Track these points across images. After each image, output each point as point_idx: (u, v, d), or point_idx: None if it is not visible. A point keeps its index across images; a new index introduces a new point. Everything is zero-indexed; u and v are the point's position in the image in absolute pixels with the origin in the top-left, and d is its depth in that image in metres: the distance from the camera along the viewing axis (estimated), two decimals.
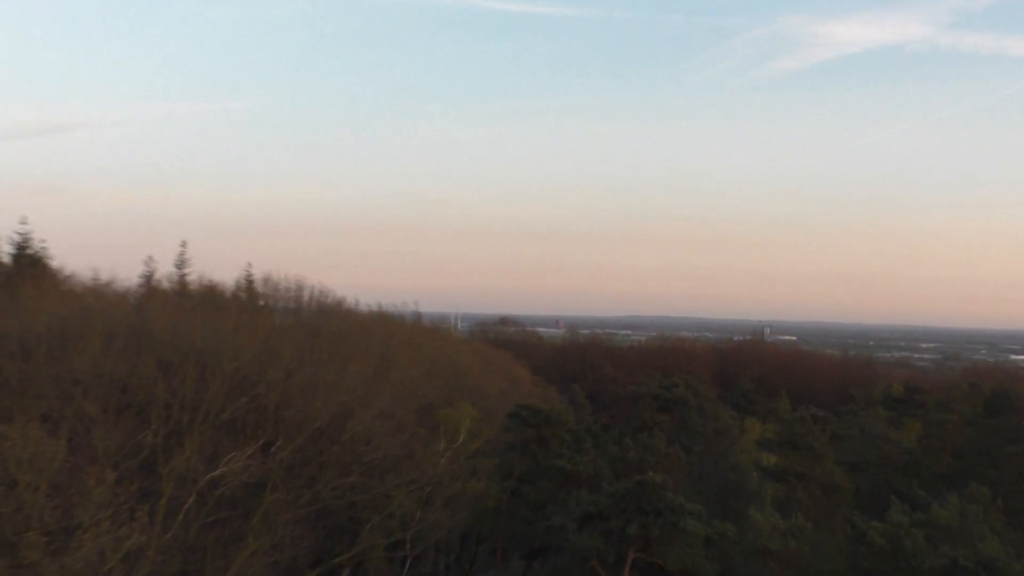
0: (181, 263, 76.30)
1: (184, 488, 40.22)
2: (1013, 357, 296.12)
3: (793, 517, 53.97)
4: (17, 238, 68.60)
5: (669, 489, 52.74)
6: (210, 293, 75.93)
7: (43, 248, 68.89)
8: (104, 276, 67.29)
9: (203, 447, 42.17)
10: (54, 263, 69.38)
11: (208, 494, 41.11)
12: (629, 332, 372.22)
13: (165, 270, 75.33)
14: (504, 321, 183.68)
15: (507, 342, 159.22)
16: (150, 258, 75.55)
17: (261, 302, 79.01)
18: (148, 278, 73.86)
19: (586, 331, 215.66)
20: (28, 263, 67.23)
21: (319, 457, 49.43)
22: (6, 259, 68.34)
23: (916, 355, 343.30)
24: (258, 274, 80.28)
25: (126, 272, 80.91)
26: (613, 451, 71.38)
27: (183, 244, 77.37)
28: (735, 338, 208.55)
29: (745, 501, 66.94)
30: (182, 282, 75.95)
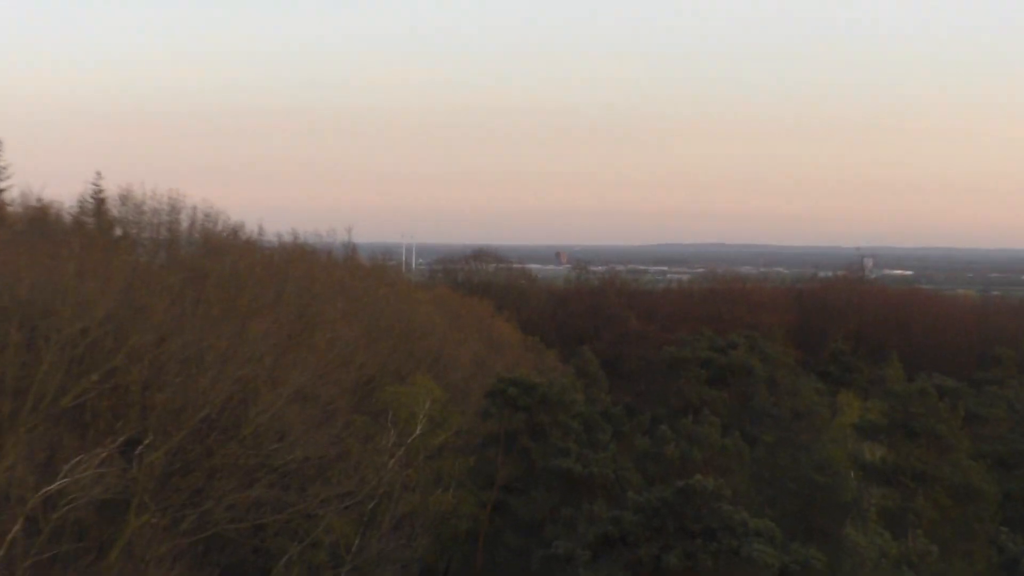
0: None
1: (6, 509, 39.90)
2: None
3: (910, 537, 54.18)
4: None
5: (726, 499, 52.80)
6: (40, 218, 75.18)
7: None
8: None
9: (34, 448, 41.80)
10: None
11: (43, 518, 40.83)
12: (664, 268, 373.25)
13: None
14: (480, 255, 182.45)
15: (484, 286, 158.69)
16: None
17: (118, 231, 78.34)
18: None
19: (600, 268, 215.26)
20: None
21: (208, 461, 49.23)
22: None
23: None
24: (112, 189, 79.56)
25: None
26: (642, 444, 71.44)
27: None
28: (821, 274, 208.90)
29: (839, 514, 67.20)
30: None
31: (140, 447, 45.36)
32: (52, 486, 40.73)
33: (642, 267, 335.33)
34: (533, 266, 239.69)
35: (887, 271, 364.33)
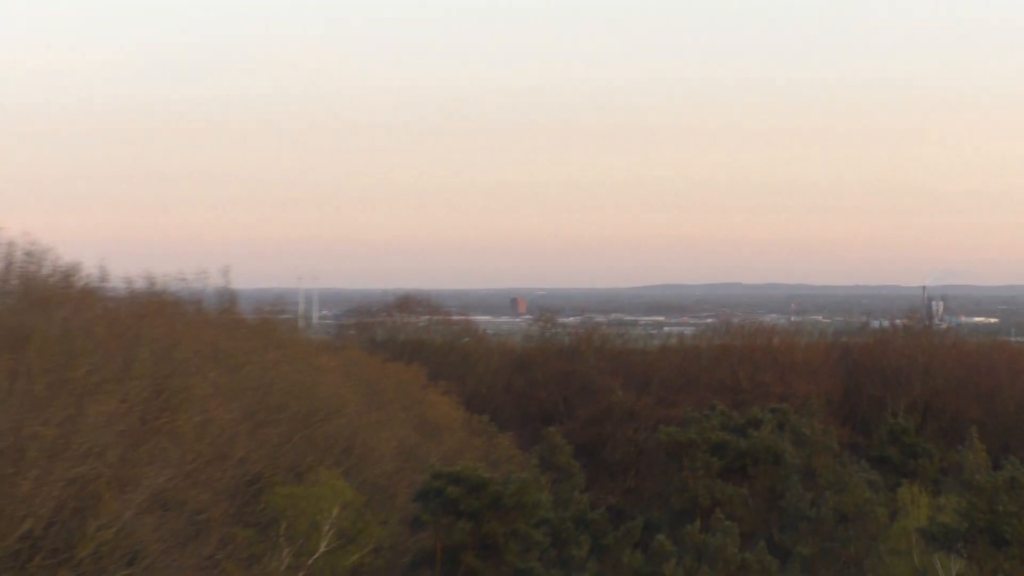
0: None
1: None
2: None
3: None
4: None
5: None
6: None
7: None
8: None
9: None
10: None
11: None
12: (660, 319, 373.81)
13: None
14: (406, 304, 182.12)
15: (414, 347, 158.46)
16: None
17: None
18: None
19: (572, 318, 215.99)
20: None
21: None
22: None
23: None
24: None
25: None
26: (633, 561, 71.06)
27: None
28: (874, 324, 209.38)
29: None
30: None
31: None
32: None
33: (630, 317, 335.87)
34: (481, 318, 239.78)
35: (964, 318, 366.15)
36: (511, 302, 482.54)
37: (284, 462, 72.50)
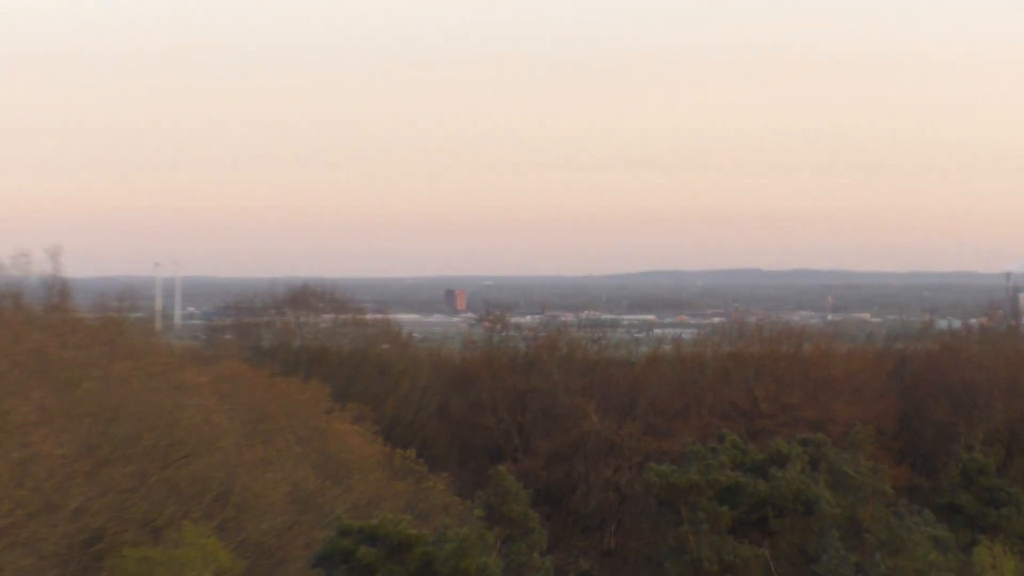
0: None
1: None
2: None
3: None
4: None
5: None
6: None
7: None
8: None
9: None
10: None
11: None
12: (650, 318, 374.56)
13: None
14: (303, 298, 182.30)
15: (314, 357, 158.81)
16: None
17: None
18: None
19: (529, 317, 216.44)
20: None
21: None
22: None
23: None
24: None
25: None
26: None
27: None
28: (940, 324, 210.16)
29: None
30: None
31: None
32: None
33: (609, 316, 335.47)
34: (406, 317, 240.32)
35: None
36: (446, 295, 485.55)
37: (135, 514, 72.48)
